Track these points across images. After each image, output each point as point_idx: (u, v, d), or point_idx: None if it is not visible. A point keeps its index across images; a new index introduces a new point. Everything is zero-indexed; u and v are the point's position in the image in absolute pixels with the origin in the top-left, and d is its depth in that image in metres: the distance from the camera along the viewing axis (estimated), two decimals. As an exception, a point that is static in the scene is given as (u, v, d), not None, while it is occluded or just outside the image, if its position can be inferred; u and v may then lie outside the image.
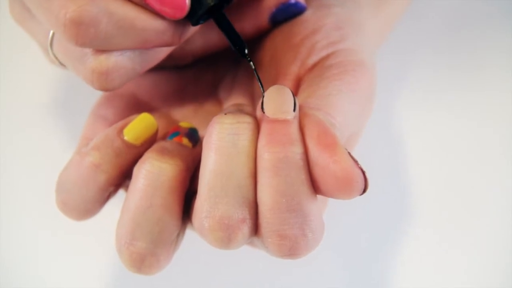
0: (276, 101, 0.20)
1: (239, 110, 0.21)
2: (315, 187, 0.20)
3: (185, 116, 0.27)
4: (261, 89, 0.22)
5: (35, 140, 0.32)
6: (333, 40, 0.25)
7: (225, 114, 0.20)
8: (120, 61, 0.21)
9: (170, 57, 0.25)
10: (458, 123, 0.34)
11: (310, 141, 0.19)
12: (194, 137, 0.23)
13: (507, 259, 0.31)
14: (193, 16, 0.22)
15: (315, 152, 0.19)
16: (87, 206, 0.23)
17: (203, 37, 0.26)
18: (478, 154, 0.33)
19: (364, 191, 0.19)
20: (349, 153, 0.19)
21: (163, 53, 0.23)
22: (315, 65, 0.24)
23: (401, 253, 0.31)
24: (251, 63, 0.23)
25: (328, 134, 0.19)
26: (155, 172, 0.21)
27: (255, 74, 0.23)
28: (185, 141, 0.22)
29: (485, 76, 0.35)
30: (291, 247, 0.20)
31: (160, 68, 0.27)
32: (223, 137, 0.20)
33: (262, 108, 0.20)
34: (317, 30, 0.25)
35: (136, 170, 0.21)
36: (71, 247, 0.30)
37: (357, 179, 0.19)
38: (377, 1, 0.29)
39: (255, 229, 0.20)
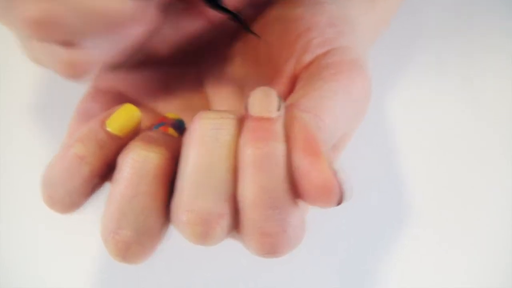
0: (261, 100, 0.20)
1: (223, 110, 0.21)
2: (295, 191, 0.20)
3: (172, 112, 0.27)
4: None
5: (29, 138, 0.33)
6: (328, 37, 0.25)
7: (209, 110, 0.20)
8: (90, 51, 0.21)
9: (144, 50, 0.25)
10: (455, 119, 0.34)
11: (293, 145, 0.20)
12: (180, 127, 0.23)
13: (507, 258, 0.31)
14: None
15: (297, 157, 0.19)
16: (73, 199, 0.22)
17: (173, 25, 0.26)
18: (476, 151, 0.33)
19: (339, 203, 0.19)
20: (331, 162, 0.19)
21: (134, 36, 0.23)
22: (311, 63, 0.24)
23: (396, 252, 0.31)
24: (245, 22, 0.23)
25: (312, 140, 0.20)
26: (140, 161, 0.20)
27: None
28: (171, 131, 0.22)
29: (482, 72, 0.35)
30: (273, 244, 0.19)
31: (142, 64, 0.27)
32: (206, 131, 0.20)
33: (247, 108, 0.20)
34: (311, 27, 0.25)
35: (121, 159, 0.21)
36: (66, 244, 0.30)
37: (334, 191, 0.19)
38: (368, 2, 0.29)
39: (235, 225, 0.20)
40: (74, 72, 0.21)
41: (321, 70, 0.23)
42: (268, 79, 0.26)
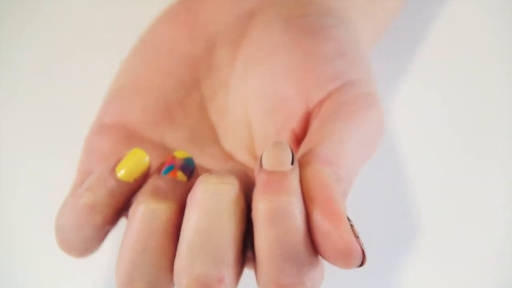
0: (274, 154, 0.20)
1: (226, 170, 0.21)
2: (315, 248, 0.20)
3: (179, 143, 0.27)
4: None
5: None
6: (339, 69, 0.24)
7: (210, 173, 0.20)
8: None
9: None
10: (457, 118, 0.33)
11: (313, 203, 0.19)
12: (189, 168, 0.23)
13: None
14: None
15: (318, 217, 0.19)
16: (86, 245, 0.23)
17: None
18: (478, 150, 0.33)
19: (361, 265, 0.19)
20: (352, 226, 0.19)
21: None
22: (324, 101, 0.24)
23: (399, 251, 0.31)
24: None
25: (333, 201, 0.19)
26: (149, 216, 0.21)
27: None
28: (179, 175, 0.22)
29: (483, 69, 0.34)
30: None
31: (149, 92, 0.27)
32: (206, 196, 0.20)
33: (260, 162, 0.20)
34: (318, 60, 0.25)
35: (131, 212, 0.21)
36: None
37: (356, 255, 0.19)
38: (368, 7, 0.28)
39: (236, 283, 0.20)
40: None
41: (337, 108, 0.23)
42: (276, 114, 0.25)
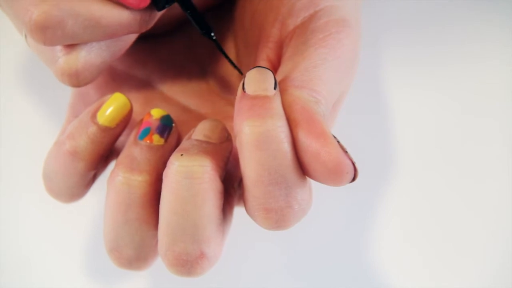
0: (257, 79, 0.20)
1: (198, 146, 0.21)
2: (303, 170, 0.19)
3: (166, 82, 0.26)
4: (235, 68, 0.23)
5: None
6: None
7: (181, 155, 0.20)
8: (89, 59, 0.21)
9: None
10: (450, 92, 0.32)
11: (297, 127, 0.19)
12: (166, 128, 0.22)
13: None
14: (158, 2, 0.21)
15: (305, 140, 0.19)
16: (73, 191, 0.23)
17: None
18: (471, 125, 0.32)
19: (353, 180, 0.19)
20: (338, 142, 0.19)
21: (130, 39, 0.23)
22: (297, 28, 0.23)
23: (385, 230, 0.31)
24: (222, 49, 0.23)
25: (316, 121, 0.19)
26: (125, 190, 0.21)
27: (225, 56, 0.23)
28: (156, 139, 0.22)
29: (478, 42, 0.33)
30: (278, 219, 0.20)
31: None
32: (178, 180, 0.20)
33: (243, 87, 0.20)
34: None
35: (108, 183, 0.22)
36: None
37: (347, 170, 0.19)
38: None
39: (216, 260, 0.21)
40: (74, 80, 0.21)
41: (309, 36, 0.23)
42: (254, 44, 0.25)
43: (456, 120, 0.32)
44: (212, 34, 0.23)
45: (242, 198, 0.21)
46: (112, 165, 0.24)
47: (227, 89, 0.26)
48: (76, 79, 0.21)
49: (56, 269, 0.30)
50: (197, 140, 0.21)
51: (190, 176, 0.20)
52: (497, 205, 0.31)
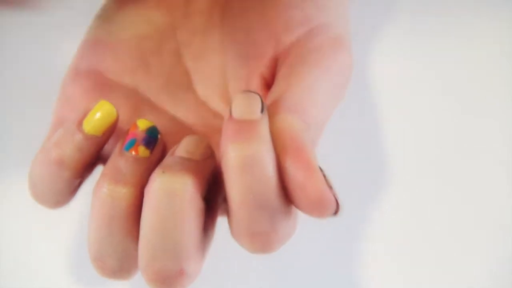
0: (243, 103, 0.20)
1: (181, 163, 0.21)
2: (287, 196, 0.20)
3: (153, 91, 0.26)
4: None
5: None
6: (308, 13, 0.24)
7: (163, 171, 0.20)
8: None
9: None
10: (446, 92, 0.33)
11: (284, 154, 0.19)
12: (152, 140, 0.22)
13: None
14: None
15: (291, 169, 0.19)
16: (58, 198, 0.23)
17: None
18: (469, 127, 0.32)
19: (335, 214, 0.20)
20: (324, 176, 0.19)
21: None
22: (292, 45, 0.24)
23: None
24: None
25: (304, 152, 0.19)
26: (109, 201, 0.21)
27: None
28: (141, 150, 0.22)
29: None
30: (262, 243, 0.20)
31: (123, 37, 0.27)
32: (159, 197, 0.20)
33: (230, 111, 0.20)
34: (289, 3, 0.24)
35: (93, 194, 0.22)
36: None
37: (330, 205, 0.19)
38: None
39: (196, 276, 0.21)
40: None
41: (305, 55, 0.23)
42: (246, 56, 0.25)
43: (452, 123, 0.32)
44: None
45: (226, 216, 0.21)
46: (98, 170, 0.24)
47: (213, 100, 0.27)
48: None
49: (43, 271, 0.30)
50: (180, 157, 0.21)
51: (171, 193, 0.20)
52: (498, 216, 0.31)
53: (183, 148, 0.22)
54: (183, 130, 0.25)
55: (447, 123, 0.32)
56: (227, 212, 0.21)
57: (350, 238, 0.31)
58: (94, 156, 0.23)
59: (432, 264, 0.30)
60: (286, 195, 0.20)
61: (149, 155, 0.22)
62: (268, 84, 0.24)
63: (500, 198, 0.31)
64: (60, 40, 0.33)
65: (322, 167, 0.20)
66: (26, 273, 0.30)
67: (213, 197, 0.22)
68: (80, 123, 0.22)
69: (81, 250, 0.30)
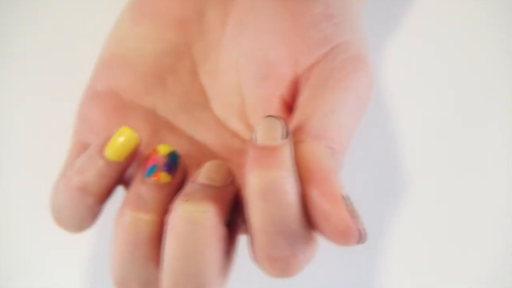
0: (265, 128, 0.20)
1: (202, 190, 0.21)
2: (311, 225, 0.20)
3: (171, 112, 0.27)
4: None
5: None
6: (327, 33, 0.24)
7: (186, 200, 0.21)
8: None
9: None
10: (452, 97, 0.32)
11: (310, 185, 0.20)
12: (173, 165, 0.22)
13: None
14: None
15: (316, 199, 0.19)
16: (81, 224, 0.24)
17: None
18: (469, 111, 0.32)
19: (361, 242, 0.20)
20: (348, 205, 0.20)
21: None
22: (312, 67, 0.24)
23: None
24: None
25: (329, 182, 0.20)
26: (132, 229, 0.21)
27: None
28: (163, 176, 0.22)
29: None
30: (282, 269, 0.20)
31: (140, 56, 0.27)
32: (182, 225, 0.20)
33: (253, 137, 0.20)
34: (306, 23, 0.24)
35: (115, 221, 0.22)
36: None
37: (354, 236, 0.19)
38: None
39: None
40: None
41: (327, 77, 0.23)
42: (262, 77, 0.25)
43: (460, 126, 0.32)
44: None
45: (247, 236, 0.22)
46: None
47: (230, 118, 0.27)
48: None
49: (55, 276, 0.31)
50: (201, 184, 0.22)
51: (193, 222, 0.20)
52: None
53: (204, 175, 0.22)
54: (202, 151, 0.26)
55: (455, 126, 0.32)
56: (248, 235, 0.21)
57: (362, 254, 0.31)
58: (117, 182, 0.23)
59: (434, 264, 0.31)
60: (309, 222, 0.20)
61: (170, 180, 0.22)
62: (289, 105, 0.24)
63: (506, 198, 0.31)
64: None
65: (347, 195, 0.20)
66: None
67: (234, 218, 0.23)
68: (102, 149, 0.22)
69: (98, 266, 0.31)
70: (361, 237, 0.20)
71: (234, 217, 0.23)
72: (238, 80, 0.26)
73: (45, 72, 0.33)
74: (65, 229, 0.24)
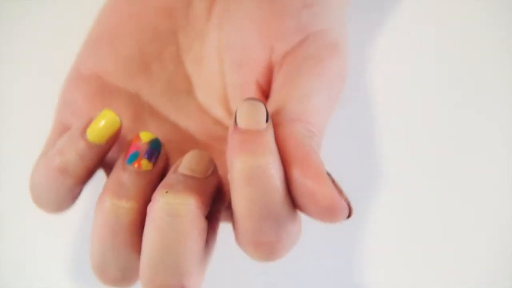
0: (248, 112, 0.20)
1: (183, 182, 0.21)
2: (295, 206, 0.20)
3: (154, 98, 0.27)
4: None
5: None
6: (303, 21, 0.24)
7: (167, 192, 0.20)
8: None
9: None
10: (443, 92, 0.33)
11: (292, 166, 0.20)
12: (154, 153, 0.22)
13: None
14: None
15: (299, 180, 0.19)
16: (59, 205, 0.24)
17: None
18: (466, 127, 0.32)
19: (348, 217, 0.20)
20: (333, 181, 0.20)
21: None
22: (287, 54, 0.24)
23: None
24: None
25: (311, 160, 0.20)
26: (112, 216, 0.21)
27: None
28: (144, 164, 0.22)
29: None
30: (268, 253, 0.20)
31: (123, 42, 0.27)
32: (162, 217, 0.20)
33: (235, 121, 0.20)
34: (285, 11, 0.24)
35: (96, 208, 0.22)
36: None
37: (342, 210, 0.19)
38: None
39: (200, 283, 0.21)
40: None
41: (301, 63, 0.23)
42: (238, 64, 0.25)
43: (449, 122, 0.32)
44: None
45: (231, 223, 0.22)
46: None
47: (214, 106, 0.27)
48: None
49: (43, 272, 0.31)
50: (182, 174, 0.21)
51: (173, 214, 0.20)
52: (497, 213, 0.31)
53: (185, 165, 0.22)
54: (185, 137, 0.26)
55: (444, 122, 0.32)
56: (232, 221, 0.21)
57: (347, 238, 0.31)
58: (97, 165, 0.23)
59: (428, 263, 0.30)
60: (293, 203, 0.20)
61: (152, 168, 0.22)
62: (264, 92, 0.25)
63: (498, 194, 0.31)
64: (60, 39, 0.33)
65: (329, 172, 0.20)
66: (26, 273, 0.30)
67: (214, 208, 0.23)
68: (83, 131, 0.22)
69: (81, 251, 0.30)
70: (349, 211, 0.20)
71: (215, 205, 0.23)
72: (221, 67, 0.27)
73: (44, 71, 0.33)
74: (44, 210, 0.24)
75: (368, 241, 0.31)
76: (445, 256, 0.30)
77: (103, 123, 0.23)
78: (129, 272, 0.22)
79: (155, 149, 0.22)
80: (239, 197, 0.19)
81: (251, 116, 0.20)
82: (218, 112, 0.26)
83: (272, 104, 0.23)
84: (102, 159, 0.23)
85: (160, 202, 0.20)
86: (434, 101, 0.32)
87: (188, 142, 0.25)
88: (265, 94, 0.24)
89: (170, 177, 0.22)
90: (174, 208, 0.20)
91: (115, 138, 0.23)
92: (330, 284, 0.30)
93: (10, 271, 0.30)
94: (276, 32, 0.24)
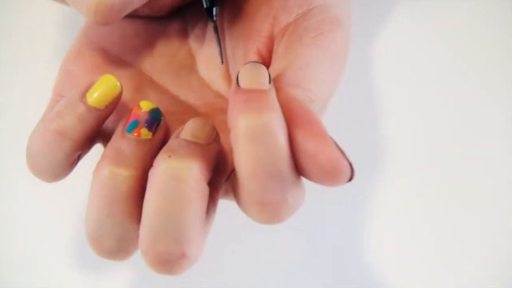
0: (251, 73, 0.20)
1: (187, 147, 0.21)
2: (298, 170, 0.20)
3: (156, 71, 0.26)
4: (220, 56, 0.24)
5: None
6: None
7: (169, 156, 0.20)
8: None
9: (148, 6, 0.25)
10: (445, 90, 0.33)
11: (295, 128, 0.19)
12: (154, 122, 0.22)
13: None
14: None
15: (302, 141, 0.19)
16: (56, 171, 0.23)
17: None
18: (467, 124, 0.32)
19: (350, 180, 0.19)
20: (335, 143, 0.19)
21: None
22: (290, 24, 0.24)
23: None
24: (215, 30, 0.24)
25: (313, 121, 0.19)
26: (110, 184, 0.21)
27: (217, 40, 0.24)
28: (144, 132, 0.22)
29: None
30: (273, 213, 0.20)
31: (131, 18, 0.27)
32: (165, 181, 0.20)
33: (237, 82, 0.20)
34: None
35: (93, 175, 0.21)
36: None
37: (345, 171, 0.19)
38: None
39: (196, 259, 0.21)
40: (106, 13, 0.21)
41: (302, 33, 0.23)
42: (241, 36, 0.25)
43: (450, 118, 0.32)
44: (214, 14, 0.24)
45: (232, 192, 0.21)
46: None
47: (216, 81, 0.27)
48: (109, 12, 0.21)
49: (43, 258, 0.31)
50: (185, 140, 0.21)
51: (176, 178, 0.20)
52: (495, 206, 0.31)
53: (188, 131, 0.22)
54: (186, 110, 0.25)
55: (446, 117, 0.32)
56: (235, 184, 0.21)
57: (346, 231, 0.31)
58: (95, 130, 0.23)
59: (427, 262, 0.30)
60: (296, 167, 0.20)
61: (151, 137, 0.22)
62: (265, 61, 0.24)
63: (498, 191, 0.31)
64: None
65: (331, 136, 0.20)
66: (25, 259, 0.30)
67: (215, 178, 0.22)
68: (83, 95, 0.22)
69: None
70: (352, 173, 0.19)
71: (216, 175, 0.22)
72: (224, 42, 0.27)
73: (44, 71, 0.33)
74: (39, 177, 0.23)
75: (362, 240, 0.31)
76: (447, 242, 0.31)
77: (103, 88, 0.22)
78: (125, 242, 0.21)
79: (155, 118, 0.22)
80: (243, 155, 0.19)
81: (254, 76, 0.20)
82: (220, 86, 0.26)
83: (273, 71, 0.22)
84: (101, 124, 0.23)
85: (163, 166, 0.20)
86: (436, 94, 0.33)
87: (188, 113, 0.25)
88: (266, 63, 0.24)
89: (172, 142, 0.21)
90: (177, 173, 0.20)
91: (115, 104, 0.23)
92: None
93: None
94: (280, 3, 0.24)
